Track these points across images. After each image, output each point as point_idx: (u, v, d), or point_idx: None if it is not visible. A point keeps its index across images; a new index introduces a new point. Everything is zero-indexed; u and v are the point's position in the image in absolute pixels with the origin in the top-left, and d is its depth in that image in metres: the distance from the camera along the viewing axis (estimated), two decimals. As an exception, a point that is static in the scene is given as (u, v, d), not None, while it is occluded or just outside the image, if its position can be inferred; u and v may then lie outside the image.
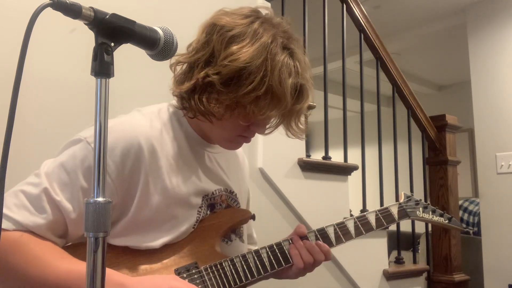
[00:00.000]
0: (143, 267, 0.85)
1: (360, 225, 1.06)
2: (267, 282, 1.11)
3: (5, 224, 0.76)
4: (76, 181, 0.80)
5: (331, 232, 1.03)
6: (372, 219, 1.09)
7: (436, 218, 1.19)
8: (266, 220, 1.73)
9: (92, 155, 0.80)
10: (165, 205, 0.87)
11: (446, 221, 1.20)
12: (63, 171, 0.80)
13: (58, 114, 1.29)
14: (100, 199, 0.61)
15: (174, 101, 0.97)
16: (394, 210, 1.14)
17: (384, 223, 1.10)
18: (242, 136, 0.92)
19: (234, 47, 0.81)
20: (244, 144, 1.01)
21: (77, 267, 0.77)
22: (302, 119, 0.94)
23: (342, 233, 1.04)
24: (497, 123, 3.13)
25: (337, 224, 1.05)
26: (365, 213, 1.09)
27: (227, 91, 0.81)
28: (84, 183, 0.80)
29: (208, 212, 0.96)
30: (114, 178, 0.82)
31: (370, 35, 2.37)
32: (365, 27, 2.35)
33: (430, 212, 1.19)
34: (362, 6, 2.35)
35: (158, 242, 0.86)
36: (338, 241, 1.03)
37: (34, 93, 1.25)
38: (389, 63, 2.44)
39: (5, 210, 0.76)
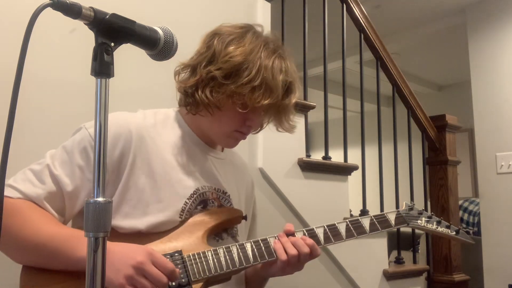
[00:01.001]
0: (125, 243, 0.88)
1: (352, 228, 1.06)
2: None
3: (11, 193, 0.87)
4: (73, 159, 0.91)
5: (320, 232, 1.04)
6: (366, 223, 1.08)
7: (441, 229, 1.14)
8: (266, 220, 1.73)
9: (88, 138, 0.92)
10: (151, 187, 0.94)
11: (453, 233, 1.15)
12: (63, 152, 0.93)
13: (58, 114, 1.29)
14: (100, 199, 0.61)
15: (173, 108, 1.08)
16: (392, 217, 1.12)
17: (379, 227, 1.09)
18: (238, 131, 1.01)
19: (232, 48, 0.95)
20: (245, 145, 1.04)
21: (67, 229, 0.88)
22: (291, 115, 1.05)
23: (332, 234, 1.04)
24: (497, 123, 3.13)
25: (328, 226, 1.05)
26: (359, 217, 1.09)
27: (228, 83, 0.93)
28: (80, 161, 0.91)
29: (199, 208, 1.00)
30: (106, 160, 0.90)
31: (370, 35, 2.37)
32: (365, 27, 2.35)
33: (435, 223, 1.14)
34: (362, 6, 2.35)
35: (143, 223, 0.92)
36: (327, 241, 1.03)
37: (34, 93, 1.25)
38: (389, 63, 2.44)
39: (12, 183, 0.89)
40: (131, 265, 0.79)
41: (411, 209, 1.15)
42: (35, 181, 0.89)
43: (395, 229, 2.14)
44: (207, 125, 1.02)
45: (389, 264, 2.27)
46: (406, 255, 2.55)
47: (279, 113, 1.01)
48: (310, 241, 0.99)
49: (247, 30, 1.00)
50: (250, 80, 0.92)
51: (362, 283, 2.04)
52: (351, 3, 2.30)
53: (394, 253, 2.47)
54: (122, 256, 0.80)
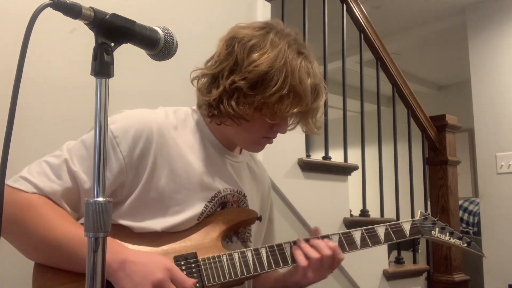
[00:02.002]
0: (144, 251, 0.87)
1: (367, 237, 1.04)
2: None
3: (25, 187, 0.84)
4: (92, 156, 0.85)
5: (335, 240, 1.02)
6: (381, 232, 1.06)
7: (453, 241, 1.12)
8: (266, 220, 1.73)
9: (108, 135, 0.87)
10: (170, 190, 0.92)
11: (465, 245, 1.13)
12: (82, 147, 0.88)
13: (58, 114, 1.29)
14: (100, 199, 0.61)
15: (194, 107, 1.04)
16: (406, 226, 1.09)
17: (394, 238, 1.06)
18: (266, 137, 0.99)
19: (256, 55, 0.89)
20: None
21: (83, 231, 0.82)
22: (318, 116, 1.00)
23: (347, 242, 1.02)
24: (497, 123, 3.13)
25: (343, 233, 1.03)
26: (374, 226, 1.06)
27: (254, 94, 0.88)
28: None
29: (218, 210, 0.98)
30: (125, 156, 0.88)
31: (370, 35, 2.37)
32: (365, 27, 2.35)
33: (447, 234, 1.12)
34: (362, 6, 2.35)
35: (160, 225, 0.90)
36: (342, 249, 1.01)
37: (34, 93, 1.25)
38: (389, 63, 2.44)
39: (27, 176, 0.85)
40: (151, 282, 0.78)
41: (425, 218, 1.13)
42: (52, 176, 0.85)
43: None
44: (233, 133, 0.98)
45: (389, 264, 2.27)
46: (406, 255, 2.55)
47: (307, 117, 0.97)
48: (333, 243, 0.97)
49: (267, 31, 0.94)
50: (277, 89, 0.87)
51: (362, 283, 2.04)
52: (351, 3, 2.30)
53: (394, 253, 2.47)
54: (142, 270, 0.79)
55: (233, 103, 0.89)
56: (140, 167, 0.90)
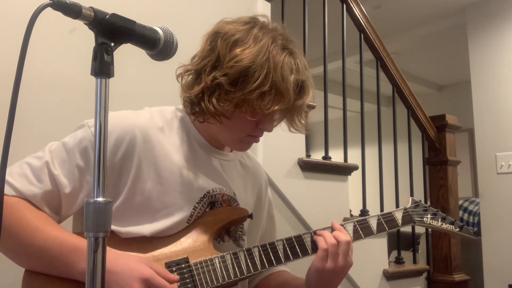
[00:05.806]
0: (123, 254, 0.85)
1: (359, 229, 1.03)
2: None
3: (6, 190, 0.83)
4: (73, 159, 0.87)
5: None
6: (373, 223, 1.05)
7: (446, 226, 1.11)
8: (266, 220, 1.72)
9: (89, 138, 0.87)
10: (157, 193, 0.91)
11: (457, 229, 1.12)
12: (63, 150, 0.88)
13: (58, 114, 1.29)
14: (100, 199, 0.61)
15: (180, 106, 1.02)
16: (398, 215, 1.09)
17: (386, 228, 1.06)
18: (251, 135, 0.97)
19: (238, 50, 0.87)
20: None
21: (64, 235, 0.83)
22: (304, 114, 0.98)
23: None
24: (497, 123, 3.12)
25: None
26: (366, 217, 1.06)
27: (234, 90, 0.86)
28: (80, 161, 0.87)
29: (207, 210, 0.97)
30: (107, 160, 0.86)
31: (370, 35, 2.37)
32: (365, 27, 2.35)
33: (440, 219, 1.12)
34: (362, 6, 2.35)
35: (148, 229, 0.89)
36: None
37: (34, 93, 1.25)
38: (389, 63, 2.44)
39: (8, 178, 0.84)
40: None
41: (417, 205, 1.12)
42: (32, 178, 0.85)
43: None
44: (217, 131, 0.97)
45: (389, 264, 2.27)
46: (406, 255, 2.55)
47: (292, 114, 0.94)
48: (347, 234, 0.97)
49: (251, 26, 0.92)
50: (258, 85, 0.85)
51: (362, 283, 2.04)
52: (351, 3, 2.30)
53: (394, 253, 2.47)
54: (119, 280, 0.77)
55: (213, 100, 0.87)
56: (122, 170, 0.89)
